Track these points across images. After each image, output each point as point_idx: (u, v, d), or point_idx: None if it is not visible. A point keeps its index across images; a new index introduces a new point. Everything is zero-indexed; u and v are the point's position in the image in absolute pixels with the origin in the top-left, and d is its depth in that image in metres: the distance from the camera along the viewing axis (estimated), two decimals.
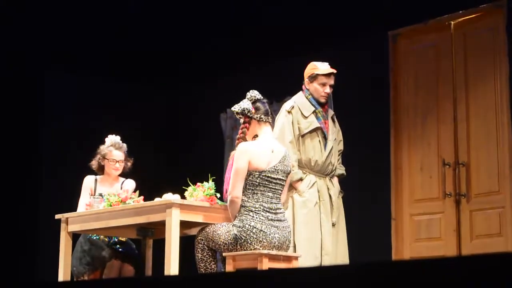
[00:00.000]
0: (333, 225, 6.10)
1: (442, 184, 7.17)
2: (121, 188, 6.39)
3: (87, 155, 6.80)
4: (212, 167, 7.32)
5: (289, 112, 6.15)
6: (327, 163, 6.18)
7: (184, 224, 5.34)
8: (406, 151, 7.50)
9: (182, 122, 9.31)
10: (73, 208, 6.48)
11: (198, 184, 5.44)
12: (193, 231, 5.83)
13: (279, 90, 7.70)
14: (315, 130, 6.17)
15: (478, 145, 7.02)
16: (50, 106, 8.93)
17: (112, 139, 6.61)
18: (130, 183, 6.61)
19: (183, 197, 5.41)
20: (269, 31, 8.56)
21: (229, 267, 5.16)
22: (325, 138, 6.22)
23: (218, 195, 5.45)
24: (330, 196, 6.13)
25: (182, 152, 9.12)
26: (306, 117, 6.18)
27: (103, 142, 6.64)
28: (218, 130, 9.04)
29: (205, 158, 8.77)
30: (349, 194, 6.43)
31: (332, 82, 6.23)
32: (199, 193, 5.38)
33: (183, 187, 5.50)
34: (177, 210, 5.18)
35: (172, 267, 5.10)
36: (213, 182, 5.46)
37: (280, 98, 7.66)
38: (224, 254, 5.25)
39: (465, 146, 7.10)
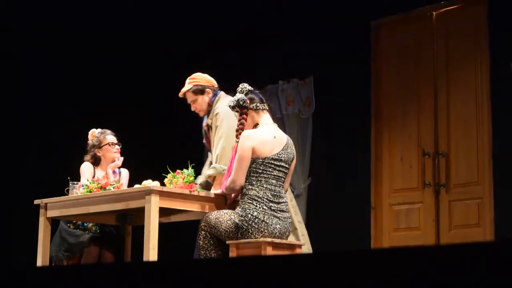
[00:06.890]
0: None
1: (422, 174, 7.20)
2: (119, 176, 6.39)
3: (68, 139, 6.71)
4: (192, 154, 7.30)
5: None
6: None
7: (164, 211, 5.33)
8: (387, 141, 7.52)
9: (162, 109, 9.27)
10: (52, 193, 6.41)
11: (178, 171, 5.43)
12: (172, 218, 5.83)
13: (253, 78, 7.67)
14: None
15: (458, 135, 7.05)
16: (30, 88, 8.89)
17: (98, 130, 6.53)
18: (127, 173, 6.55)
19: (162, 184, 5.40)
20: (245, 18, 8.52)
21: (233, 255, 5.14)
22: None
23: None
24: None
25: (162, 139, 9.08)
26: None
27: (86, 139, 6.51)
28: (198, 118, 9.01)
29: (185, 145, 8.74)
30: (329, 183, 6.44)
31: (188, 100, 6.22)
32: (179, 180, 5.37)
33: (163, 174, 5.49)
34: (156, 197, 5.16)
35: (151, 253, 5.09)
36: (193, 169, 5.45)
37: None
38: (227, 242, 5.21)
39: (445, 136, 7.13)
